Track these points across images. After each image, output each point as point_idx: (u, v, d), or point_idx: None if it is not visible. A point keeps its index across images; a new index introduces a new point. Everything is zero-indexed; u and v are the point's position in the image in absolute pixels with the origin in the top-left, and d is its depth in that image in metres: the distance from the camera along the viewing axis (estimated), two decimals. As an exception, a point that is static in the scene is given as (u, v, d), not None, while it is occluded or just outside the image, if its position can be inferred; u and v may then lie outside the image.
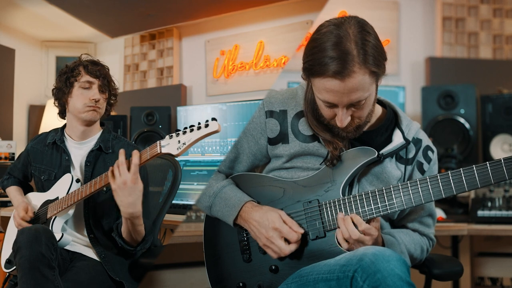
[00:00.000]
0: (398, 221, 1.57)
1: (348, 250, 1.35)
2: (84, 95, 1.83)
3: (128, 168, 1.59)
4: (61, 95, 1.87)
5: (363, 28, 1.29)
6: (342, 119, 1.34)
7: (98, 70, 1.85)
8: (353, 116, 1.36)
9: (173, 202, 2.06)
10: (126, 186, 1.58)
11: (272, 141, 1.53)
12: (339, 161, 1.43)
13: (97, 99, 1.84)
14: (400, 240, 1.48)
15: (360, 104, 1.32)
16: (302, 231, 1.41)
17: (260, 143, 1.55)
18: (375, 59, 1.27)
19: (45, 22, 3.90)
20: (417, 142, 1.52)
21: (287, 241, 1.41)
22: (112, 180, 1.60)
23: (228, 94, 3.78)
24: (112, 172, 1.60)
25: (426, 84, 3.24)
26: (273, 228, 1.41)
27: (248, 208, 1.47)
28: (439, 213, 2.47)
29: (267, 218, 1.42)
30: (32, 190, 2.07)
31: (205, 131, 1.47)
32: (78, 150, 1.91)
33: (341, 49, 1.25)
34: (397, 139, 1.48)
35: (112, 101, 1.95)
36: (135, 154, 1.59)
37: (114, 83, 1.94)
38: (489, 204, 2.44)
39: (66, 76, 1.84)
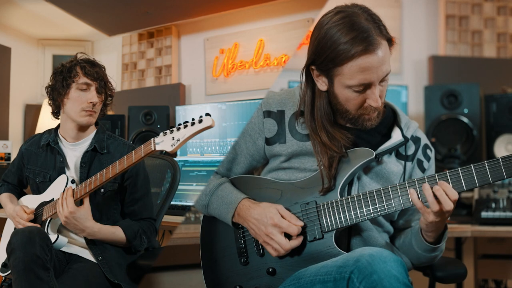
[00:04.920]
0: (400, 221, 1.55)
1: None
2: (82, 98, 1.81)
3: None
4: (57, 95, 1.85)
5: (361, 6, 1.35)
6: (378, 97, 1.35)
7: (96, 72, 1.83)
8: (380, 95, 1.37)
9: (172, 203, 2.04)
10: (69, 219, 1.68)
11: (270, 141, 1.52)
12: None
13: (95, 103, 1.82)
14: None
15: (386, 79, 1.35)
16: (301, 223, 1.39)
17: (257, 143, 1.55)
18: (385, 27, 1.33)
19: (42, 20, 3.87)
20: (416, 140, 1.53)
21: (288, 236, 1.39)
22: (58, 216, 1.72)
23: (228, 93, 3.76)
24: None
25: (429, 83, 3.21)
26: (272, 225, 1.39)
27: (245, 206, 1.46)
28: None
29: (266, 215, 1.41)
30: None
31: (199, 126, 1.46)
32: (73, 151, 1.89)
33: (358, 27, 1.29)
34: (396, 136, 1.48)
35: (108, 102, 1.92)
36: (67, 190, 1.71)
37: (111, 84, 1.92)
38: (493, 205, 2.41)
39: (63, 76, 1.82)
